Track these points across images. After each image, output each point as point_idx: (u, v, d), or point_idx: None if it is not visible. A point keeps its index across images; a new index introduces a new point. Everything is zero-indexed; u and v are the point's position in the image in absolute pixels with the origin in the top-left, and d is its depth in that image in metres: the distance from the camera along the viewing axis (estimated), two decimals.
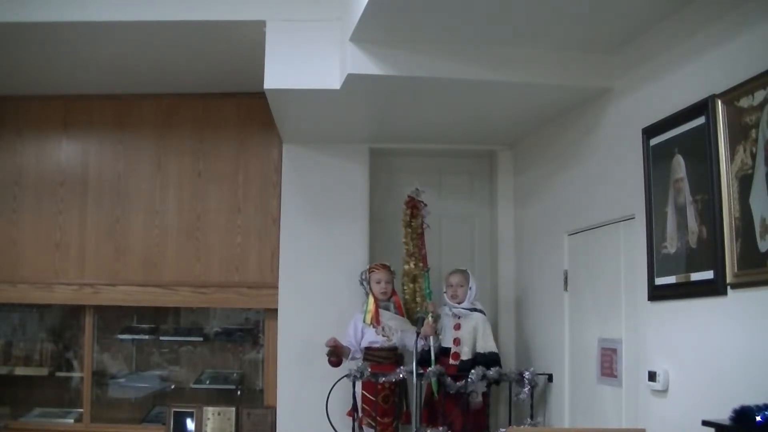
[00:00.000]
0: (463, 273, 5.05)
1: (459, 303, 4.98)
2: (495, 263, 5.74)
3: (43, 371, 5.89)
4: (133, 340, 6.03)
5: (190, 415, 5.56)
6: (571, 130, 4.64)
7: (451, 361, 4.87)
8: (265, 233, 5.72)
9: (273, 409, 5.50)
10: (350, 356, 5.02)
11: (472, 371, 4.62)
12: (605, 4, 3.46)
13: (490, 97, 4.50)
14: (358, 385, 4.86)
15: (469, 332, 4.89)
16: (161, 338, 6.00)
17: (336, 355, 4.94)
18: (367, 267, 5.22)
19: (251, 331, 6.03)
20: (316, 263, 5.53)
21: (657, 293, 3.55)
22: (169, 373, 6.06)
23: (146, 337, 5.99)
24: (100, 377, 5.90)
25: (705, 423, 2.69)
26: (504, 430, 4.59)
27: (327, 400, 4.82)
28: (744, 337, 2.91)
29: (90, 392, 5.71)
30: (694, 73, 3.34)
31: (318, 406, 4.85)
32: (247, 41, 4.51)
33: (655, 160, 3.58)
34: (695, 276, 3.24)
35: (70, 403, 5.90)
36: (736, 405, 2.52)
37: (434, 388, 4.81)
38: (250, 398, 5.83)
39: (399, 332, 4.99)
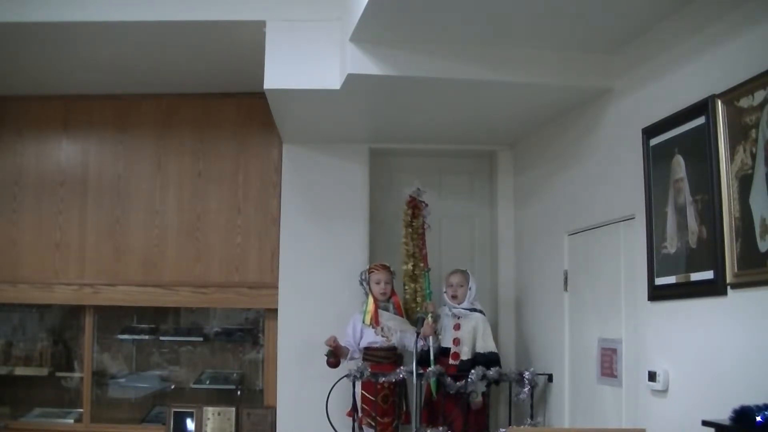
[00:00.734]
0: (463, 273, 5.05)
1: (459, 303, 4.98)
2: (495, 263, 5.74)
3: (43, 371, 5.89)
4: (133, 340, 6.03)
5: (190, 415, 5.56)
6: (571, 130, 4.64)
7: (451, 361, 4.87)
8: (265, 233, 5.72)
9: (273, 409, 5.50)
10: (349, 356, 5.02)
11: (472, 371, 4.62)
12: (605, 4, 3.46)
13: (490, 97, 4.50)
14: (358, 385, 4.87)
15: (468, 332, 4.89)
16: (161, 338, 6.00)
17: (335, 356, 4.94)
18: (367, 267, 5.22)
19: (251, 331, 6.02)
20: (316, 263, 5.53)
21: (657, 293, 3.55)
22: (169, 373, 6.06)
23: (146, 337, 5.99)
24: (100, 377, 5.90)
25: (705, 423, 2.69)
26: (504, 430, 4.59)
27: (327, 400, 4.82)
28: (744, 337, 2.91)
29: (90, 392, 5.71)
30: (694, 73, 3.34)
31: (318, 406, 4.85)
32: (247, 41, 4.51)
33: (655, 160, 3.57)
34: (695, 276, 3.24)
35: (70, 403, 5.90)
36: (736, 405, 2.52)
37: (433, 388, 4.81)
38: (250, 398, 5.83)
39: (398, 332, 4.98)
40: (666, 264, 3.47)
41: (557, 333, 4.73)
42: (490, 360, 4.78)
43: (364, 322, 5.00)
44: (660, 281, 3.52)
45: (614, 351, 4.05)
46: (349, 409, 4.94)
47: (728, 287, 3.00)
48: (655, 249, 3.56)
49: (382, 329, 4.98)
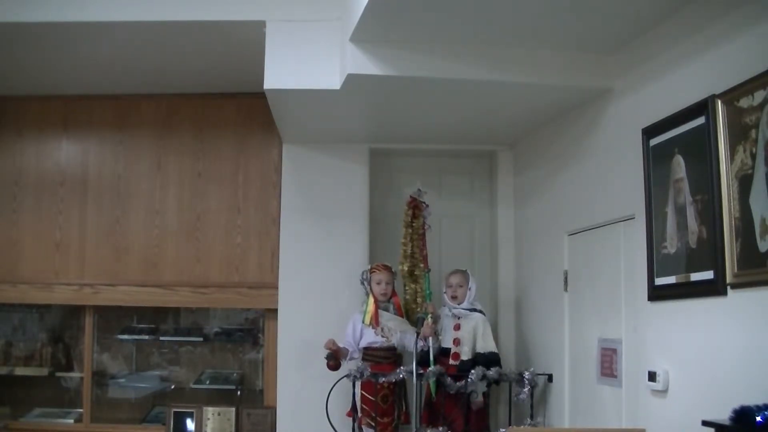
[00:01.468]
0: (463, 273, 5.05)
1: (458, 303, 4.98)
2: (495, 263, 5.74)
3: (43, 371, 5.88)
4: (133, 340, 6.03)
5: (190, 415, 5.56)
6: (571, 130, 4.64)
7: (451, 362, 4.87)
8: (265, 233, 5.72)
9: (273, 409, 5.50)
10: (348, 357, 5.02)
11: (472, 371, 4.62)
12: (605, 4, 3.45)
13: (490, 97, 4.50)
14: (358, 385, 4.86)
15: (468, 332, 4.89)
16: (161, 338, 6.00)
17: (335, 358, 4.93)
18: (369, 267, 5.21)
19: (251, 331, 6.02)
20: (316, 263, 5.53)
21: (657, 293, 3.55)
22: (169, 373, 6.06)
23: (146, 337, 5.99)
24: (100, 377, 5.90)
25: (705, 423, 2.69)
26: (504, 430, 4.59)
27: (327, 400, 4.82)
28: (744, 337, 2.90)
29: (90, 392, 5.71)
30: (694, 73, 3.34)
31: (318, 406, 4.85)
32: (247, 41, 4.51)
33: (655, 160, 3.57)
34: (695, 276, 3.24)
35: (70, 403, 5.90)
36: (736, 405, 2.52)
37: (432, 389, 4.81)
38: (250, 398, 5.83)
39: (398, 333, 4.98)
40: (666, 264, 3.47)
41: (557, 333, 4.73)
42: (490, 360, 4.78)
43: (364, 322, 5.00)
44: (660, 281, 3.51)
45: (614, 351, 4.05)
46: (349, 409, 4.94)
47: (728, 287, 3.00)
48: (655, 249, 3.56)
49: (382, 329, 4.98)
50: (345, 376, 4.86)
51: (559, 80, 4.15)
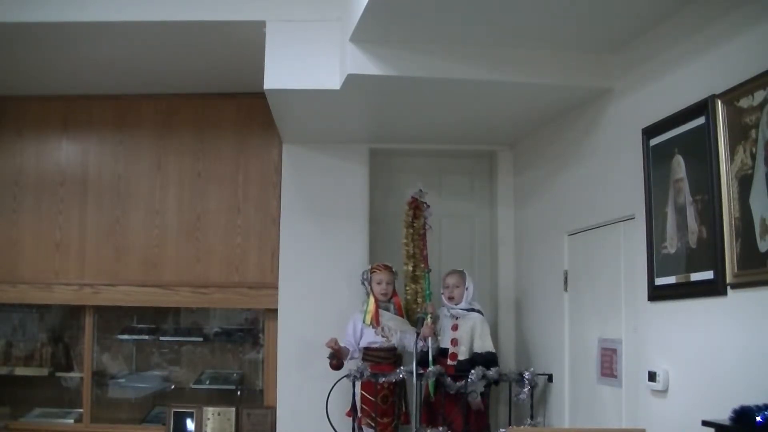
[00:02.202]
0: (460, 274, 5.04)
1: (456, 304, 4.97)
2: (495, 263, 5.74)
3: (43, 371, 5.88)
4: (133, 340, 6.03)
5: (190, 415, 5.56)
6: (571, 130, 4.64)
7: (449, 362, 4.87)
8: (265, 233, 5.72)
9: (273, 409, 5.50)
10: (349, 356, 5.02)
11: (473, 371, 4.62)
12: (605, 4, 3.45)
13: (490, 97, 4.50)
14: (358, 385, 4.86)
15: (466, 332, 4.89)
16: (161, 338, 6.00)
17: (337, 358, 4.93)
18: (369, 267, 5.21)
19: (251, 332, 6.02)
20: (316, 263, 5.53)
21: (657, 293, 3.55)
22: (169, 373, 6.06)
23: (146, 337, 5.99)
24: (100, 377, 5.90)
25: (705, 423, 2.69)
26: (504, 430, 4.59)
27: (327, 400, 4.82)
28: (744, 337, 2.90)
29: (90, 392, 5.71)
30: (694, 73, 3.33)
31: (318, 406, 4.85)
32: (247, 41, 4.51)
33: (655, 160, 3.57)
34: (695, 276, 3.24)
35: (70, 403, 5.89)
36: (736, 405, 2.52)
37: (431, 389, 4.81)
38: (250, 398, 5.83)
39: (398, 333, 4.98)
40: (666, 264, 3.47)
41: (557, 333, 4.73)
42: (487, 360, 4.77)
43: (364, 321, 5.00)
44: (660, 281, 3.51)
45: (614, 351, 4.05)
46: (348, 409, 4.94)
47: (728, 287, 3.00)
48: (655, 249, 3.56)
49: (383, 329, 4.98)
50: (345, 376, 4.86)
51: (559, 80, 4.14)
